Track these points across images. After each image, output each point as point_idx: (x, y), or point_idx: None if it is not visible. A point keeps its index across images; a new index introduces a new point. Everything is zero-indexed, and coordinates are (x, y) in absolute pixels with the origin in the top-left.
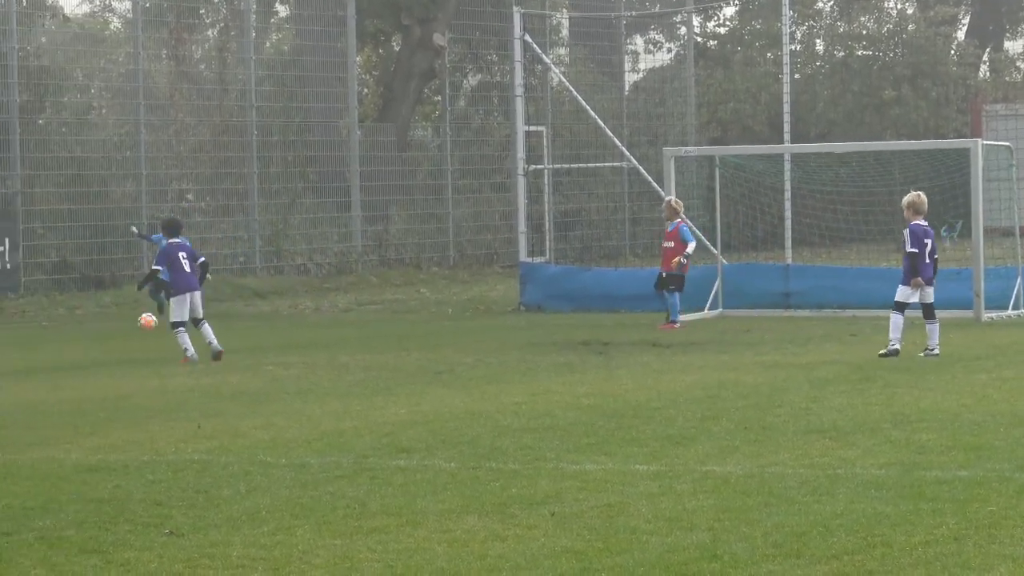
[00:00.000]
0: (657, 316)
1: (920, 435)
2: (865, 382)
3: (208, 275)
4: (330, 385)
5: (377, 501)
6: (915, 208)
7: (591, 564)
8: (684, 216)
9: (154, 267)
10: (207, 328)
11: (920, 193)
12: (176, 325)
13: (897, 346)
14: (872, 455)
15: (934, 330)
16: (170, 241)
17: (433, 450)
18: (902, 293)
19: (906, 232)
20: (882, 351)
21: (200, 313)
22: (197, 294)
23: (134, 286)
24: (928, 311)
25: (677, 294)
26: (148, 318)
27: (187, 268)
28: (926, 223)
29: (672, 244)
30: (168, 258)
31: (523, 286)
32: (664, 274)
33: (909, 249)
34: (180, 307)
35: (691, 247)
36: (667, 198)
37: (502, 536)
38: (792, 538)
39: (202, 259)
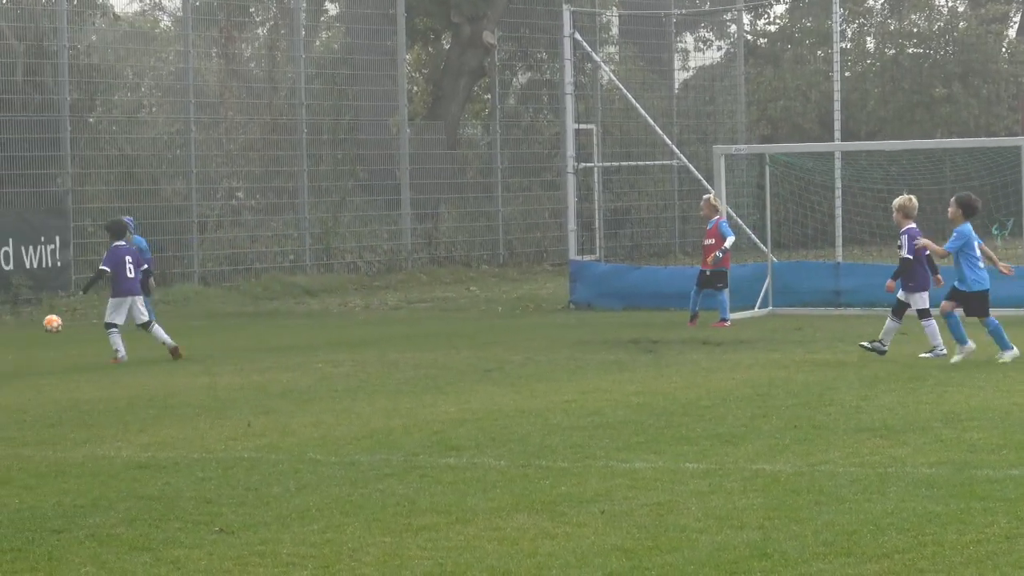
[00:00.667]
0: (708, 315)
1: (971, 434)
2: (915, 380)
3: (152, 282)
4: (380, 383)
5: (427, 499)
6: (906, 212)
7: (641, 562)
8: (724, 213)
9: (101, 268)
10: (158, 330)
11: (912, 196)
12: (109, 326)
13: (943, 350)
14: (923, 453)
15: (934, 330)
16: (116, 244)
17: (483, 448)
18: (920, 300)
19: (904, 237)
20: (925, 353)
21: (144, 319)
22: (139, 299)
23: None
24: (922, 312)
25: (725, 292)
26: (52, 318)
27: (130, 273)
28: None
29: (713, 241)
30: (113, 261)
31: (573, 284)
32: (708, 272)
33: (905, 255)
34: (117, 310)
35: (729, 241)
36: (705, 196)
37: (552, 534)
38: (842, 536)
39: (145, 266)
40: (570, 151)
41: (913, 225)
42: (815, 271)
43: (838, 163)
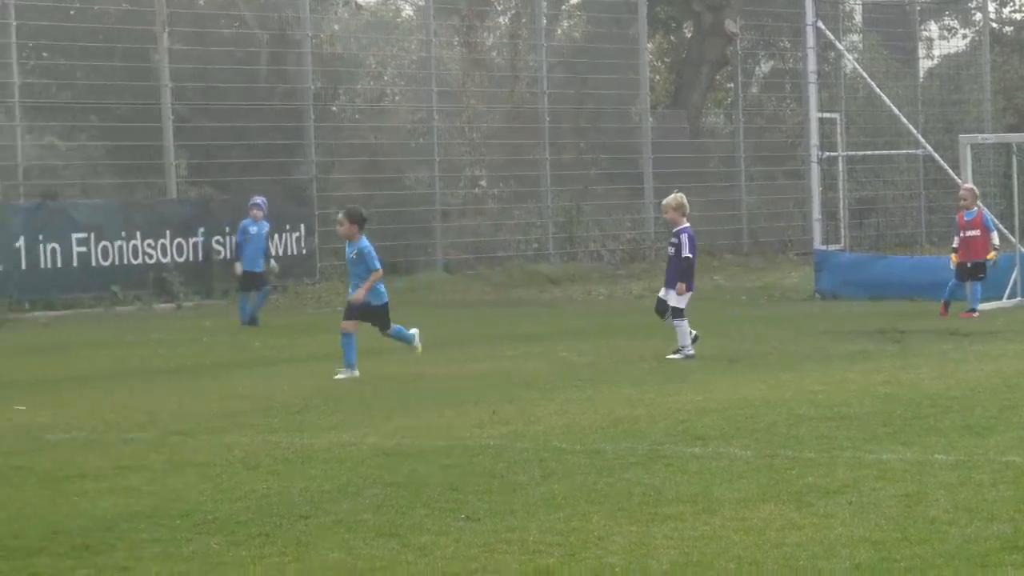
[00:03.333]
0: (957, 305)
1: None
2: None
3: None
4: (623, 371)
5: (672, 488)
6: (683, 210)
7: (890, 554)
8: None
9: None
10: None
11: (682, 194)
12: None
13: (691, 351)
14: None
15: (684, 330)
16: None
17: (728, 438)
18: (680, 300)
19: (684, 236)
20: (672, 354)
21: None
22: None
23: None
24: (677, 312)
25: (979, 283)
26: None
27: None
28: None
29: (978, 232)
30: None
31: (818, 274)
32: (970, 264)
33: (686, 254)
34: None
35: (995, 236)
36: (968, 185)
37: (799, 525)
38: None
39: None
40: (814, 140)
41: (688, 224)
42: None
43: None
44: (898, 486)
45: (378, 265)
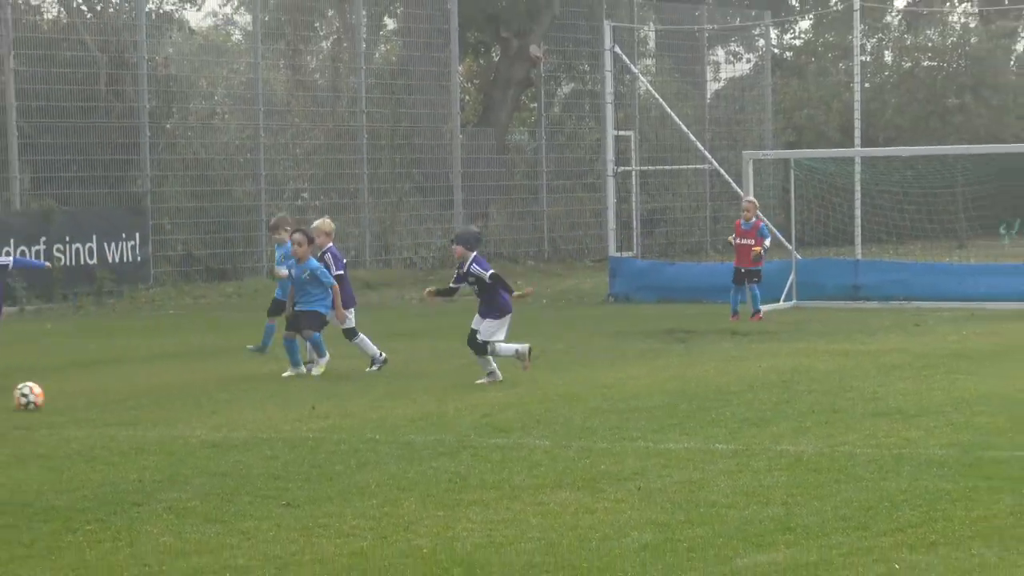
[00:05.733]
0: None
1: (979, 418)
2: (928, 369)
3: None
4: (432, 370)
5: (476, 476)
6: (330, 233)
7: (674, 535)
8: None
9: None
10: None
11: (327, 218)
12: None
13: (382, 355)
14: (934, 436)
15: (366, 345)
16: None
17: (528, 429)
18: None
19: (328, 256)
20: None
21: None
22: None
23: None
24: (349, 333)
25: (756, 286)
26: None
27: None
28: None
29: (751, 241)
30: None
31: (612, 279)
32: (743, 269)
33: (337, 272)
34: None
35: (767, 242)
36: (748, 198)
37: (592, 509)
38: (860, 512)
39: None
40: (610, 156)
41: (332, 245)
42: (836, 267)
43: (858, 167)
44: (682, 473)
45: (333, 280)
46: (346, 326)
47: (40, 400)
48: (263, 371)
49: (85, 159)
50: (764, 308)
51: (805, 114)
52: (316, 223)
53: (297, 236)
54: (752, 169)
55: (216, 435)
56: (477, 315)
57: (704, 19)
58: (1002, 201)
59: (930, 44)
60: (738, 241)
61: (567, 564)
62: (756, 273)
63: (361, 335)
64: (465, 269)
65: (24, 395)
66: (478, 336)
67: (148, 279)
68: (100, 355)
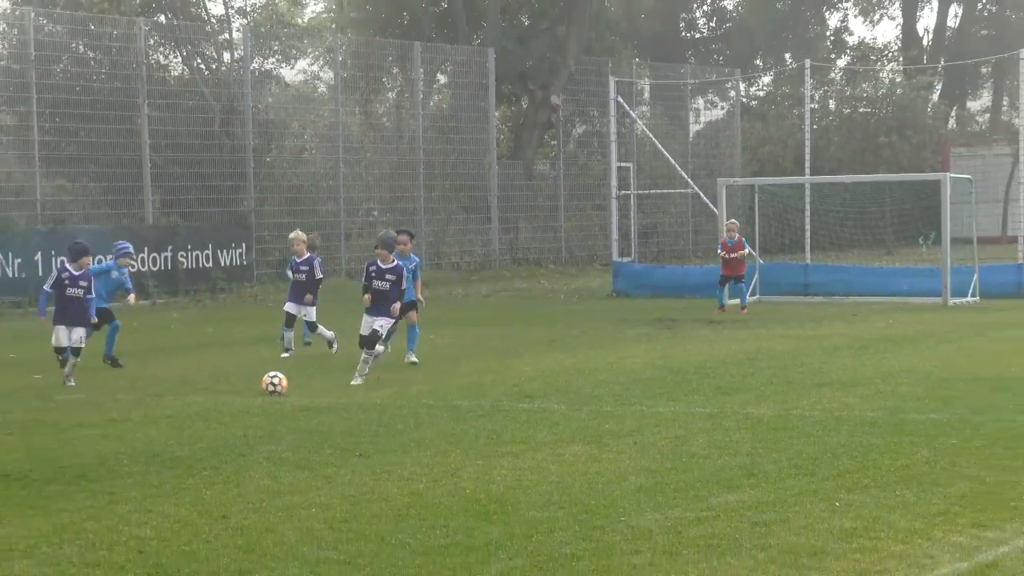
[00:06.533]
0: (711, 303)
1: (902, 388)
2: (862, 349)
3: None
4: (474, 350)
5: (508, 433)
6: (310, 245)
7: (662, 479)
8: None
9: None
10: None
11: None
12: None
13: (335, 347)
14: (867, 402)
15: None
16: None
17: (549, 396)
18: (311, 313)
19: (316, 262)
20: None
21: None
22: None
23: (335, 278)
24: (311, 324)
25: (744, 285)
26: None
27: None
28: None
29: (738, 254)
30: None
31: (615, 278)
32: (731, 279)
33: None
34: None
35: (747, 250)
36: (732, 220)
37: (598, 459)
38: (808, 461)
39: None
40: (613, 182)
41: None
42: (790, 270)
43: (808, 192)
44: (669, 431)
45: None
46: (309, 319)
47: (284, 389)
48: (343, 351)
49: (203, 184)
50: (733, 302)
51: (767, 150)
52: (303, 234)
53: (402, 236)
54: (725, 193)
55: (305, 401)
56: (373, 317)
57: (687, 75)
58: (920, 218)
59: (865, 95)
60: (726, 255)
61: (578, 502)
62: (741, 276)
63: (320, 327)
64: (389, 266)
65: (273, 384)
66: (378, 332)
67: (252, 279)
68: (215, 338)
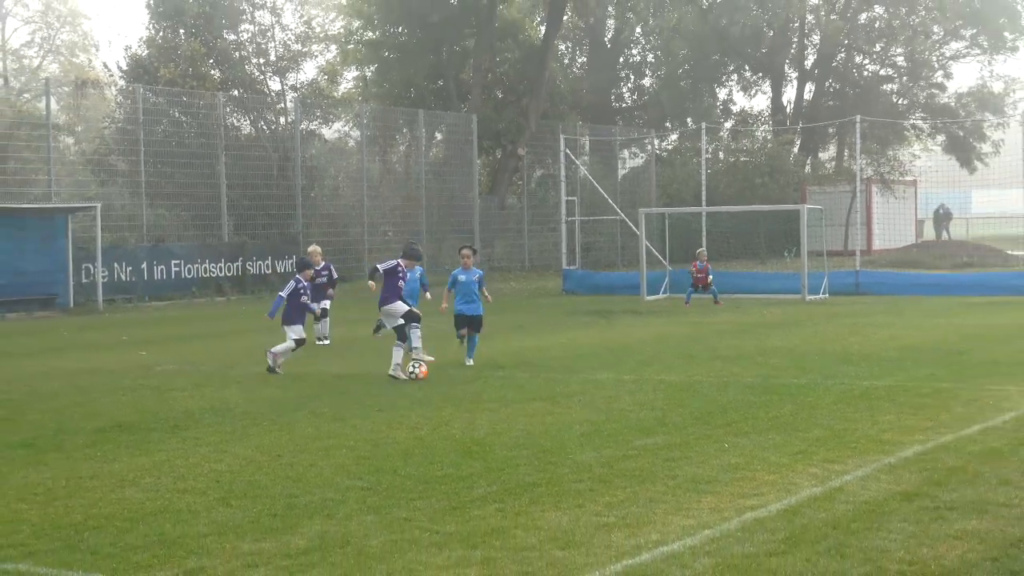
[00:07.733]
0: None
1: (773, 359)
2: (744, 332)
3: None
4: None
5: (487, 394)
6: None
7: (599, 428)
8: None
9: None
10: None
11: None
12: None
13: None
14: (748, 370)
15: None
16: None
17: (517, 367)
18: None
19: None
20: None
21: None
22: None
23: (366, 281)
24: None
25: (714, 288)
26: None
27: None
28: None
29: (701, 275)
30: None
31: (565, 281)
32: (700, 286)
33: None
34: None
35: (711, 277)
36: (701, 249)
37: (553, 412)
38: (705, 414)
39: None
40: (563, 212)
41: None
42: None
43: (704, 218)
44: (605, 392)
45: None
46: (323, 307)
47: (422, 375)
48: (373, 337)
49: (264, 213)
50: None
51: (674, 187)
52: (312, 247)
53: (465, 251)
54: (644, 219)
55: (340, 371)
56: (400, 303)
57: (617, 133)
58: (785, 237)
59: (745, 148)
60: (696, 273)
61: (536, 444)
62: (708, 284)
63: (317, 325)
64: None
65: (412, 370)
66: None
67: None
68: (275, 325)
